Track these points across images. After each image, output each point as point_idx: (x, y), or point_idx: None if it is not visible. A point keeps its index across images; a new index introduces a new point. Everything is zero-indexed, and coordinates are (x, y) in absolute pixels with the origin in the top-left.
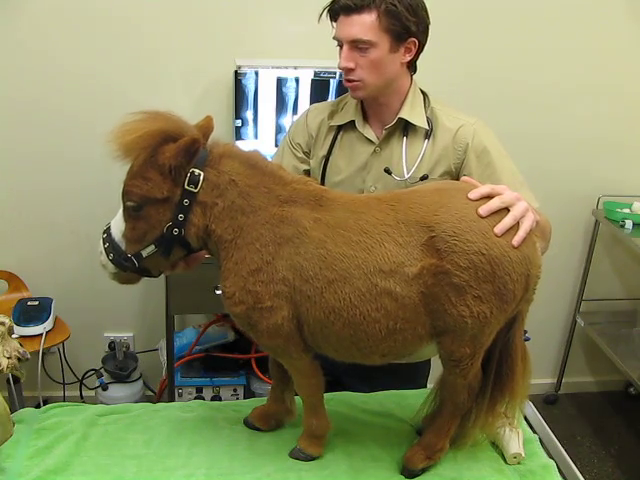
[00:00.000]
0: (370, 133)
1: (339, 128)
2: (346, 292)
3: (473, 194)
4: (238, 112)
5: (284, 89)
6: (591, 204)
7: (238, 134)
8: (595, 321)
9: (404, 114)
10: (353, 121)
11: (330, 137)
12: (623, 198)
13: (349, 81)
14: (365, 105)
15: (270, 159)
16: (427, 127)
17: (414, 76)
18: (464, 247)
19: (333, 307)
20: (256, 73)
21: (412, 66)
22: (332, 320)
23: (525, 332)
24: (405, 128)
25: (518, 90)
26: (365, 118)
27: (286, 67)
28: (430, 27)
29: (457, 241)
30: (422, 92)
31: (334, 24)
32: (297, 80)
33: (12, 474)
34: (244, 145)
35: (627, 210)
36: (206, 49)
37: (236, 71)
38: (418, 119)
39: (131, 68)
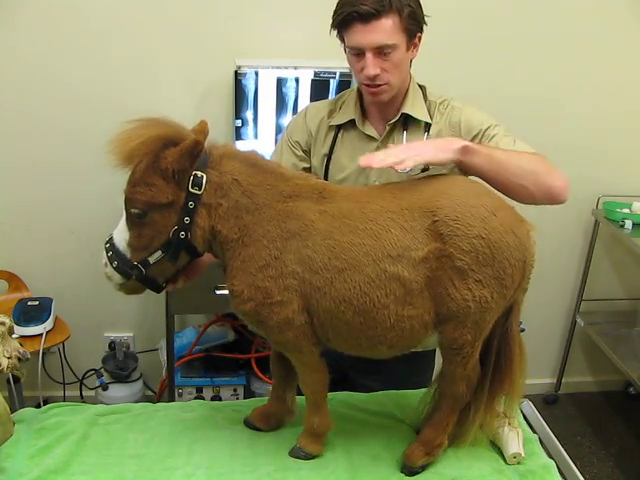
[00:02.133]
0: (371, 130)
1: (339, 126)
2: (356, 280)
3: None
4: (238, 112)
5: (284, 89)
6: (591, 204)
7: (238, 134)
8: (595, 321)
9: (407, 109)
10: (353, 119)
11: (331, 136)
12: (623, 198)
13: (374, 86)
14: (366, 103)
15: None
16: (428, 120)
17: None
18: (466, 231)
19: (343, 296)
20: (256, 73)
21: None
22: (342, 309)
23: (520, 323)
24: (405, 122)
25: (518, 90)
26: (364, 115)
27: (286, 67)
28: (429, 32)
29: (459, 225)
30: (420, 86)
31: (338, 31)
32: (297, 80)
33: (12, 474)
34: (244, 145)
35: (627, 210)
36: (206, 49)
37: (236, 71)
38: (420, 113)
39: (131, 69)
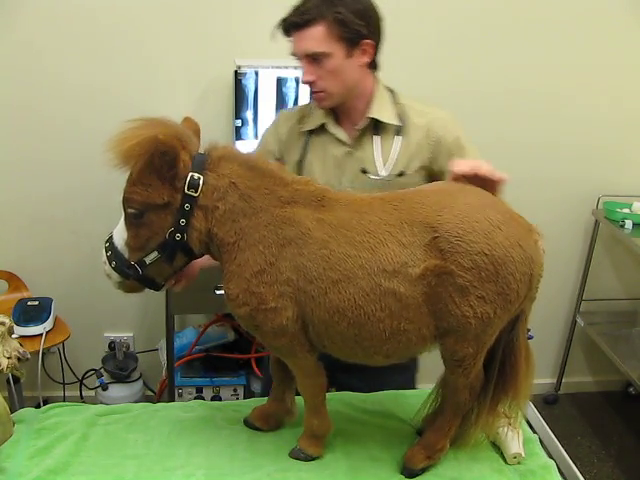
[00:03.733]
0: (342, 134)
1: (310, 131)
2: (350, 292)
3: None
4: (238, 112)
5: (284, 89)
6: (591, 204)
7: (238, 134)
8: (595, 321)
9: (373, 113)
10: (324, 123)
11: (302, 141)
12: (623, 198)
13: (314, 93)
14: (334, 107)
15: None
16: (398, 124)
17: (386, 77)
18: (467, 248)
19: (337, 307)
20: (256, 73)
21: (374, 65)
22: (336, 320)
23: (528, 330)
24: (376, 127)
25: (518, 90)
26: (336, 119)
27: (286, 67)
28: (425, 36)
29: (460, 242)
30: (389, 89)
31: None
32: (297, 80)
33: (12, 474)
34: (244, 145)
35: (627, 210)
36: (206, 49)
37: (236, 71)
38: (388, 117)
39: (131, 68)
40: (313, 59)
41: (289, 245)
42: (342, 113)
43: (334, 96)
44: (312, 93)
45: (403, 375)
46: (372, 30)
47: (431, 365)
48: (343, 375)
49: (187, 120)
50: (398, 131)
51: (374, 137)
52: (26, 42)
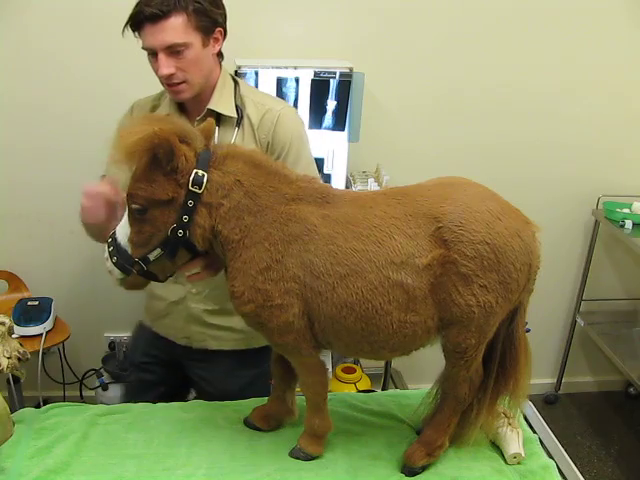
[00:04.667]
0: None
1: None
2: (359, 286)
3: None
4: None
5: (284, 89)
6: (591, 204)
7: None
8: (595, 321)
9: (212, 105)
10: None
11: None
12: (623, 198)
13: (172, 85)
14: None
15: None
16: (235, 115)
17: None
18: (470, 237)
19: (345, 302)
20: (256, 73)
21: (221, 54)
22: (344, 315)
23: (526, 323)
24: (218, 118)
25: (518, 90)
26: (182, 110)
27: (286, 67)
28: (423, 38)
29: (463, 231)
30: (233, 79)
31: (137, 34)
32: (297, 80)
33: (12, 474)
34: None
35: (627, 210)
36: None
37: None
38: (226, 108)
39: (131, 68)
40: (172, 51)
41: (295, 242)
42: (188, 103)
43: (194, 86)
44: (171, 86)
45: (251, 370)
46: (224, 19)
47: (430, 365)
48: (191, 365)
49: (209, 122)
50: (236, 123)
51: (215, 128)
52: (32, 39)
